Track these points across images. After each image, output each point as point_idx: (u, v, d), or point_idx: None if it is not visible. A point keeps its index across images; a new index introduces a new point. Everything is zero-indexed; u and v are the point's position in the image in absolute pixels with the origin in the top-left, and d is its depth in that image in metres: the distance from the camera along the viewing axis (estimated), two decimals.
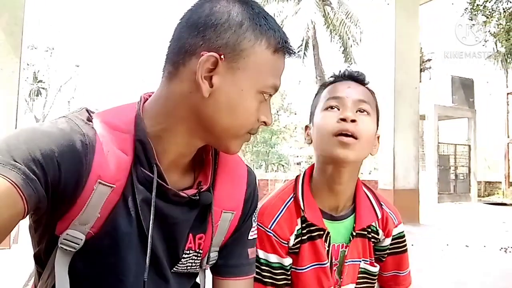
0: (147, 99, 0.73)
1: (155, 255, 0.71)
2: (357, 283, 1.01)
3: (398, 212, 1.07)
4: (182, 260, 0.75)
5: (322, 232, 0.96)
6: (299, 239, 0.96)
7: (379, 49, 7.04)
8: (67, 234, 0.65)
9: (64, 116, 0.68)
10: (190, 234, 0.75)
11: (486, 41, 11.69)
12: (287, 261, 0.95)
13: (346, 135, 0.90)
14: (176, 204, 0.71)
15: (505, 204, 12.81)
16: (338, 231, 0.99)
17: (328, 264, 0.96)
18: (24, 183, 0.56)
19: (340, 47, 17.61)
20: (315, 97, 1.04)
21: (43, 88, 27.02)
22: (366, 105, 0.95)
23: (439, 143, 13.49)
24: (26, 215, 0.58)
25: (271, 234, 0.94)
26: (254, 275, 0.87)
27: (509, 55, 11.05)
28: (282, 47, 0.68)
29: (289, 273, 0.95)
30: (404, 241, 1.07)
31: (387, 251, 1.05)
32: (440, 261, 3.92)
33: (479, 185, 15.11)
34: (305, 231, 0.96)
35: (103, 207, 0.65)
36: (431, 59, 18.17)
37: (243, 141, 0.72)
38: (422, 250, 4.45)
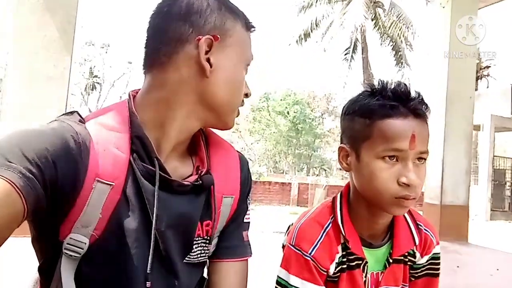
0: (135, 95, 0.75)
1: (165, 249, 0.71)
2: None
3: (436, 231, 1.00)
4: (194, 248, 0.76)
5: (360, 262, 0.90)
6: (340, 267, 0.90)
7: (431, 54, 6.67)
8: (70, 238, 0.64)
9: (55, 120, 0.68)
10: (199, 222, 0.76)
11: None
12: None
13: (408, 198, 0.82)
14: (182, 193, 0.72)
15: None
16: (376, 258, 0.93)
17: None
18: (21, 181, 0.55)
19: (392, 49, 17.04)
20: (357, 116, 0.88)
21: (98, 83, 28.49)
22: (426, 154, 0.85)
23: (494, 156, 12.63)
24: (27, 216, 0.58)
25: (310, 259, 0.87)
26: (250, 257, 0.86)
27: None
28: (250, 25, 0.78)
29: None
30: (439, 263, 0.99)
31: (421, 272, 0.98)
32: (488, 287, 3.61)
33: None
34: (345, 259, 0.90)
35: (105, 207, 0.65)
36: (490, 66, 17.06)
37: (236, 115, 0.78)
38: (469, 273, 4.13)
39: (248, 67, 0.77)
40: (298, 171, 24.31)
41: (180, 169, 0.75)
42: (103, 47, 27.52)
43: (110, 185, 0.65)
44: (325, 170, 24.71)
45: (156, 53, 0.71)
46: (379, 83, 0.88)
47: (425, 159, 0.85)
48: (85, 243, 0.65)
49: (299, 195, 14.83)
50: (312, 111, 25.55)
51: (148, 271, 0.67)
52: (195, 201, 0.74)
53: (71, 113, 0.70)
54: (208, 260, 0.82)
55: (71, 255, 0.65)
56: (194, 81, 0.71)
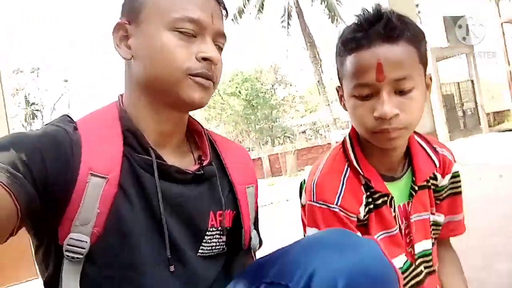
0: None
1: (172, 239, 0.69)
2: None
3: (451, 150, 0.98)
4: (206, 238, 0.74)
5: (386, 198, 0.87)
6: (367, 208, 0.87)
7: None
8: (70, 238, 0.63)
9: (43, 126, 0.69)
10: (211, 212, 0.75)
11: None
12: None
13: (389, 130, 0.78)
14: (182, 183, 0.72)
15: None
16: (400, 190, 0.90)
17: (397, 230, 0.88)
18: (9, 180, 0.55)
19: (324, 9, 17.34)
20: (337, 55, 0.86)
21: (37, 110, 26.89)
22: (407, 81, 0.76)
23: (441, 84, 13.44)
24: (21, 216, 0.57)
25: (338, 210, 0.83)
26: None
27: None
28: None
29: None
30: (460, 181, 0.97)
31: (445, 193, 0.97)
32: (480, 194, 3.86)
33: (488, 117, 15.14)
34: (370, 199, 0.87)
35: (102, 202, 0.64)
36: (418, 4, 17.87)
37: (196, 85, 0.69)
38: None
39: (184, 29, 0.68)
40: (263, 144, 24.53)
41: (180, 163, 0.74)
42: (33, 72, 25.97)
43: (105, 178, 0.64)
44: (289, 137, 25.14)
45: None
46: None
47: (409, 89, 0.76)
48: (86, 242, 0.63)
49: (271, 167, 15.04)
50: (262, 84, 25.70)
51: (168, 256, 0.67)
52: (197, 190, 0.73)
53: (61, 116, 0.73)
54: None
55: (73, 257, 0.63)
56: (128, 71, 0.73)
